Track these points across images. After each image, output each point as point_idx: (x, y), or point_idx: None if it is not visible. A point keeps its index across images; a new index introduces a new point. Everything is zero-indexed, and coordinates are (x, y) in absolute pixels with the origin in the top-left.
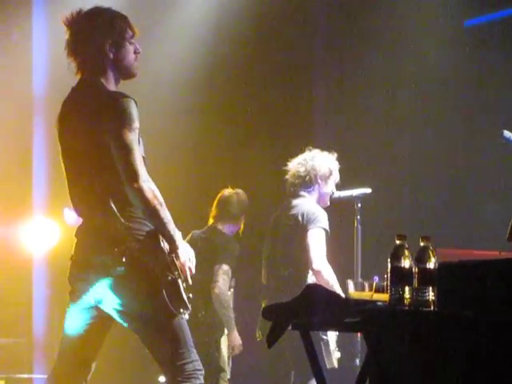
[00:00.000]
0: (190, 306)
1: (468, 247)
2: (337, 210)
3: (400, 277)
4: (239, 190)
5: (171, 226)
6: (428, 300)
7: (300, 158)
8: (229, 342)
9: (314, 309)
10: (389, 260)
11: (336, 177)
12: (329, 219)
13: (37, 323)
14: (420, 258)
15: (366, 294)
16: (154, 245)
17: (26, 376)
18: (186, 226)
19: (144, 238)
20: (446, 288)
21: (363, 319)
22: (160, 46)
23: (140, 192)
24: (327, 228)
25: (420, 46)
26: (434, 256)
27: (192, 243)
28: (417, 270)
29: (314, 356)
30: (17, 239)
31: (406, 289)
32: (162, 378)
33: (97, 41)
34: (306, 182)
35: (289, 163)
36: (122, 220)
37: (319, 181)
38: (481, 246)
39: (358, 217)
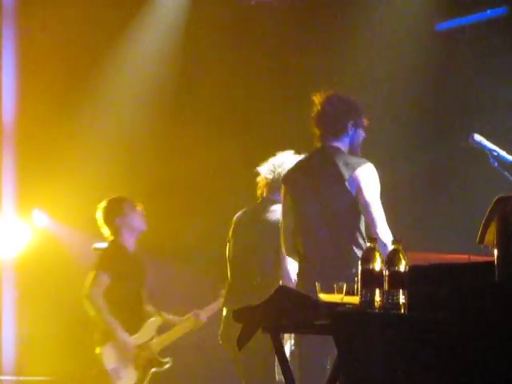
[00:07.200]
0: None
1: (438, 251)
2: None
3: (370, 279)
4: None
5: None
6: (398, 303)
7: (270, 164)
8: None
9: (284, 311)
10: (359, 263)
11: None
12: None
13: (5, 326)
14: (391, 260)
15: (336, 297)
16: None
17: None
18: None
19: None
20: (417, 291)
21: (333, 322)
22: (138, 45)
23: (385, 234)
24: None
25: (393, 46)
26: (404, 259)
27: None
28: (387, 272)
29: (283, 358)
30: None
31: (377, 291)
32: None
33: (344, 119)
34: (274, 189)
35: (260, 168)
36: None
37: None
38: (451, 250)
39: None
